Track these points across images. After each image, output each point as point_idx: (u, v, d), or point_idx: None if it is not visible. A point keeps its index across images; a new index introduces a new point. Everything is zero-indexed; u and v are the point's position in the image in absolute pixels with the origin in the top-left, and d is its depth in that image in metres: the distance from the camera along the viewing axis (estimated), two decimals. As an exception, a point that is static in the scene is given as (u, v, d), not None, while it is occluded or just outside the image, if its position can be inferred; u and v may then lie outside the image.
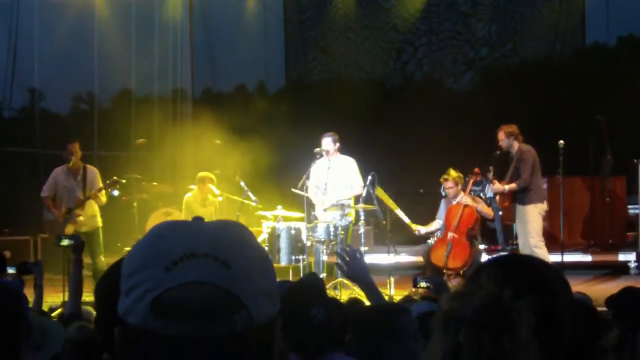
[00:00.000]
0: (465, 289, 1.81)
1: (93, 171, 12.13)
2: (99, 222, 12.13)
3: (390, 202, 12.35)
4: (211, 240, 1.55)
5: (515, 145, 11.66)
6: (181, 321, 1.49)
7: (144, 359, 1.53)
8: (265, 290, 1.56)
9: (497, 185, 11.62)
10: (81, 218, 11.87)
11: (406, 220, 12.45)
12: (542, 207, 11.65)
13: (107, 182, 11.98)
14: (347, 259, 4.58)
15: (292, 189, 11.99)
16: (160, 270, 1.51)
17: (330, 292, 9.92)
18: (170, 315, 1.49)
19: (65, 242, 7.28)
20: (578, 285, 11.47)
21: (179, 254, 1.52)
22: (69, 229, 11.65)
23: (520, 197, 11.58)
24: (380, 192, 12.09)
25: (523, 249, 11.49)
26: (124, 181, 12.31)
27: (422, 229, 12.34)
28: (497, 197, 11.97)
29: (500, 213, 13.43)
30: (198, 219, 1.62)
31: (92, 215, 12.05)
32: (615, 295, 4.66)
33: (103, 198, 12.00)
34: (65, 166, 12.04)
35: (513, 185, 11.49)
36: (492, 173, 12.09)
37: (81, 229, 11.78)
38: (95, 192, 11.83)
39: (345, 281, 11.08)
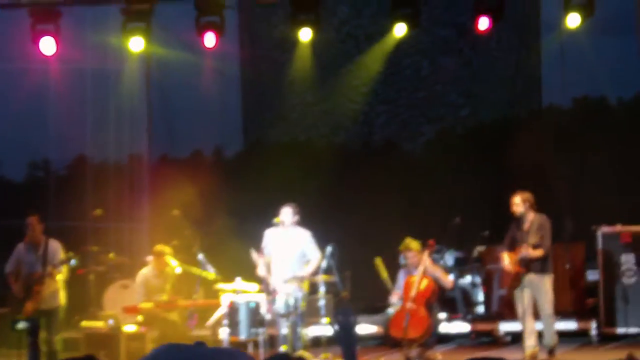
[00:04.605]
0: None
1: (54, 245, 11.80)
2: (61, 300, 11.78)
3: (385, 276, 12.30)
4: None
5: (531, 213, 11.63)
6: None
7: None
8: None
9: (531, 251, 11.49)
10: (42, 294, 11.45)
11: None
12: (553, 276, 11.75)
13: (59, 260, 11.67)
14: (340, 319, 4.47)
15: (252, 250, 11.86)
16: None
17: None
18: None
19: (20, 326, 7.12)
20: (542, 355, 11.45)
21: None
22: (28, 307, 11.17)
23: (538, 266, 11.55)
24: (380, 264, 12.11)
25: (522, 317, 11.54)
26: (73, 261, 11.93)
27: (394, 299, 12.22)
28: (511, 262, 11.65)
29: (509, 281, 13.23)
30: (199, 344, 1.56)
31: (53, 292, 11.68)
32: None
33: (63, 273, 11.75)
34: (25, 241, 11.84)
35: (539, 252, 11.49)
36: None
37: (41, 306, 11.39)
38: (56, 265, 11.53)
39: (306, 355, 10.99)
